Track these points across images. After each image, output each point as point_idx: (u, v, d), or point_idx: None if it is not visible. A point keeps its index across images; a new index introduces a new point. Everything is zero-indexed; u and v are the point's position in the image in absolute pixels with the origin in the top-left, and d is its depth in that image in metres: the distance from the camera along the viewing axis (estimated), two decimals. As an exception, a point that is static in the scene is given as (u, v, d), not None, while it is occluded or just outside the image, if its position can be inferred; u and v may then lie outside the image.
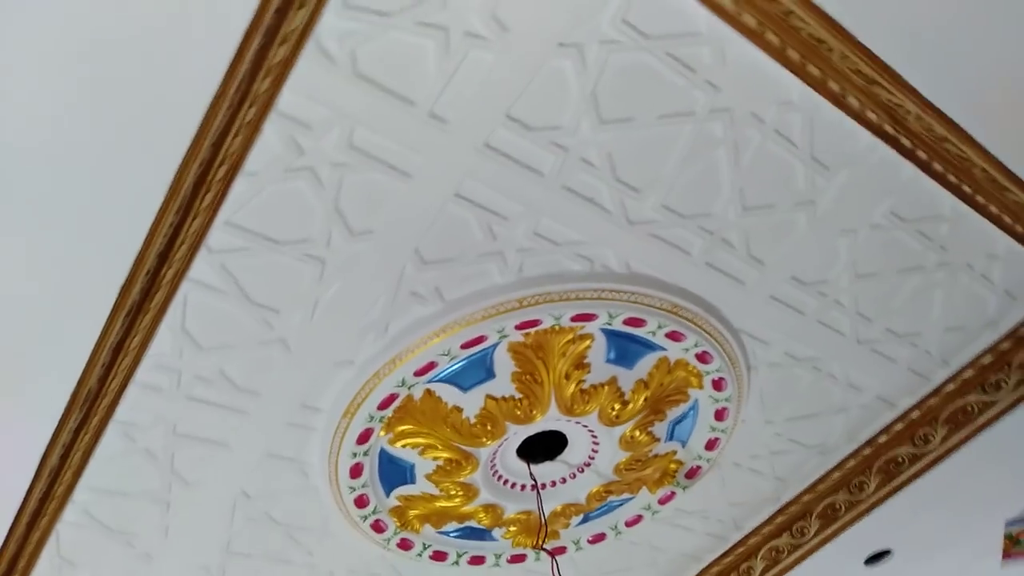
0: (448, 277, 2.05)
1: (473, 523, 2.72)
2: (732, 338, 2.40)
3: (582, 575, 3.09)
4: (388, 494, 2.54)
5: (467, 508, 2.64)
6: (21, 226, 1.65)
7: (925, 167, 2.06)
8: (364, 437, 2.33)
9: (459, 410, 2.34)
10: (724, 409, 2.60)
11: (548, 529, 2.73)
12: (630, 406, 2.46)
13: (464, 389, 2.30)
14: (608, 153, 1.90)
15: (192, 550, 2.52)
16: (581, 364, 2.32)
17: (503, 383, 2.31)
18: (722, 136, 1.93)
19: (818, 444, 2.87)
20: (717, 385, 2.52)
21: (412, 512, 2.61)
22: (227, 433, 2.24)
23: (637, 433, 2.56)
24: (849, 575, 3.44)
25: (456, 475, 2.51)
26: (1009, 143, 2.05)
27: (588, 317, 2.21)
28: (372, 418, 2.28)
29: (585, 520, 2.87)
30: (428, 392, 2.29)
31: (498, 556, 2.88)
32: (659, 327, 2.29)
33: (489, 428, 2.38)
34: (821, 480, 2.99)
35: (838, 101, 1.88)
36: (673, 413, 2.59)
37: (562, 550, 2.90)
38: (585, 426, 2.50)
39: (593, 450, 2.61)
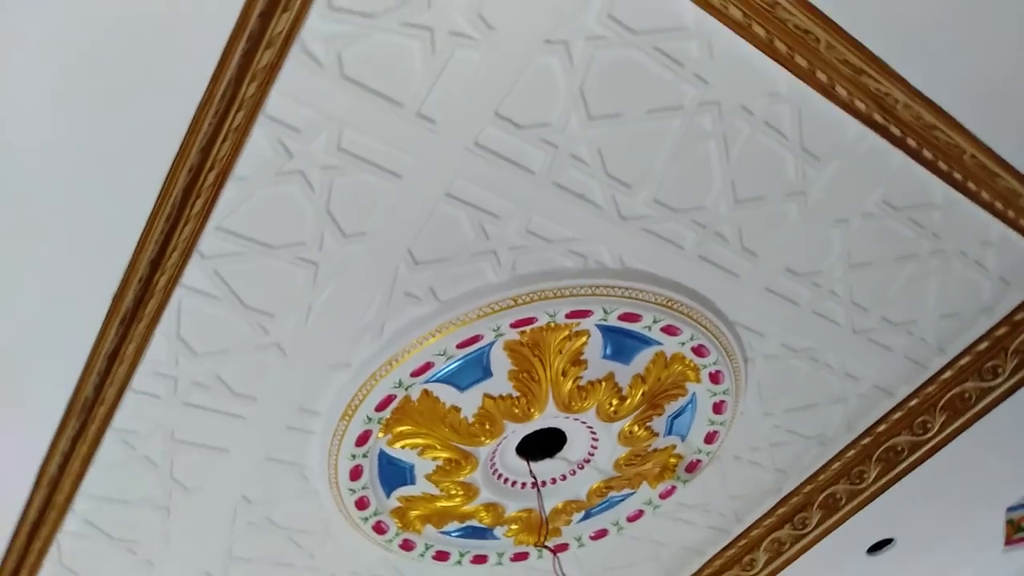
0: (442, 277, 2.05)
1: (474, 522, 2.72)
2: (728, 331, 2.40)
3: (585, 572, 3.10)
4: (388, 495, 2.54)
5: (468, 507, 2.65)
6: (11, 236, 1.65)
7: (915, 155, 2.06)
8: (363, 439, 2.33)
9: (457, 410, 2.34)
10: (722, 402, 2.61)
11: (550, 526, 2.74)
12: (628, 401, 2.46)
13: (461, 388, 2.30)
14: (598, 149, 1.90)
15: (194, 556, 2.52)
16: (578, 361, 2.32)
17: (500, 382, 2.31)
18: (711, 129, 1.93)
19: (817, 435, 2.87)
20: (714, 378, 2.52)
21: (413, 513, 2.61)
22: (226, 438, 2.24)
23: (636, 428, 2.56)
24: (852, 565, 3.44)
25: (456, 475, 2.51)
26: (998, 130, 2.05)
27: (583, 313, 2.21)
28: (370, 420, 2.28)
29: (586, 516, 2.87)
30: (425, 392, 2.29)
31: (500, 555, 2.88)
32: (654, 322, 2.29)
33: (487, 427, 2.39)
34: (821, 470, 2.99)
35: (826, 91, 1.88)
36: (671, 407, 2.59)
37: (564, 547, 2.90)
38: (583, 423, 2.51)
39: (592, 446, 2.61)
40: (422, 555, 2.76)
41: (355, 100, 1.67)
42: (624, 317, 2.25)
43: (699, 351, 2.42)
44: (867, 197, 2.17)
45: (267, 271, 1.92)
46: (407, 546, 2.71)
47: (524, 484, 2.64)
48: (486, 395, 2.33)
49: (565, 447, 2.61)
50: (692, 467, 2.79)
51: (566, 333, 2.25)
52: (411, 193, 1.86)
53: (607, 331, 2.30)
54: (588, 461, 2.66)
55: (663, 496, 2.88)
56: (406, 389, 2.25)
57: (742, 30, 1.72)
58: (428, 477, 2.51)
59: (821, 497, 3.06)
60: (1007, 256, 2.44)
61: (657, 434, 2.62)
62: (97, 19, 1.39)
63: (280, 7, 1.47)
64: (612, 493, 2.80)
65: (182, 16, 1.42)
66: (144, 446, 2.18)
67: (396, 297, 2.06)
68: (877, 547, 3.41)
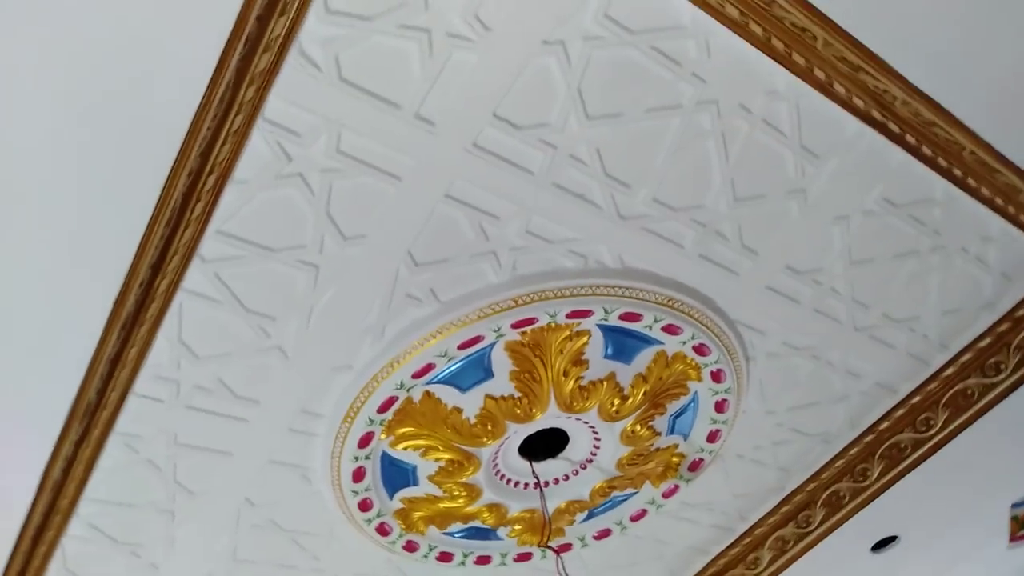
0: (442, 278, 2.06)
1: (478, 523, 2.72)
2: (729, 329, 2.40)
3: (589, 572, 3.10)
4: (392, 497, 2.54)
5: (471, 508, 2.65)
6: (11, 242, 1.66)
7: (915, 152, 2.06)
8: (365, 441, 2.33)
9: (459, 411, 2.35)
10: (724, 401, 2.61)
11: (553, 527, 2.74)
12: (630, 401, 2.46)
13: (463, 390, 2.31)
14: (597, 149, 1.90)
15: (199, 559, 2.53)
16: (579, 361, 2.33)
17: (502, 382, 2.31)
18: (710, 128, 1.93)
19: (820, 432, 2.87)
20: (716, 377, 2.52)
21: (416, 514, 2.61)
22: (229, 441, 2.25)
23: (638, 428, 2.56)
24: (856, 562, 3.44)
25: (458, 476, 2.51)
26: (998, 125, 2.05)
27: (584, 313, 2.21)
28: (372, 421, 2.29)
29: (590, 516, 2.87)
30: (427, 394, 2.29)
31: (504, 555, 2.88)
32: (655, 321, 2.29)
33: (489, 428, 2.39)
34: (824, 468, 2.99)
35: (824, 89, 1.88)
36: (673, 407, 2.59)
37: (568, 547, 2.90)
38: (586, 422, 2.51)
39: (595, 446, 2.62)
40: (426, 556, 2.76)
41: (353, 103, 1.67)
42: (625, 317, 2.25)
43: (700, 350, 2.42)
44: (867, 194, 2.17)
45: (268, 274, 1.92)
46: (411, 547, 2.71)
47: (527, 484, 2.64)
48: (488, 396, 2.33)
49: (567, 447, 2.61)
50: (695, 466, 2.79)
51: (567, 333, 2.26)
52: (411, 195, 1.86)
53: (608, 331, 2.30)
54: (590, 461, 2.66)
55: (666, 495, 2.88)
56: (408, 391, 2.25)
57: (739, 28, 1.72)
58: (431, 478, 2.51)
59: (825, 495, 3.06)
60: (1008, 252, 2.44)
61: (659, 433, 2.62)
62: (94, 25, 1.40)
63: (277, 11, 1.47)
64: (615, 493, 2.80)
65: (179, 21, 1.43)
66: (147, 450, 2.19)
67: (397, 299, 2.06)
68: (881, 544, 3.40)
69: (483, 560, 2.86)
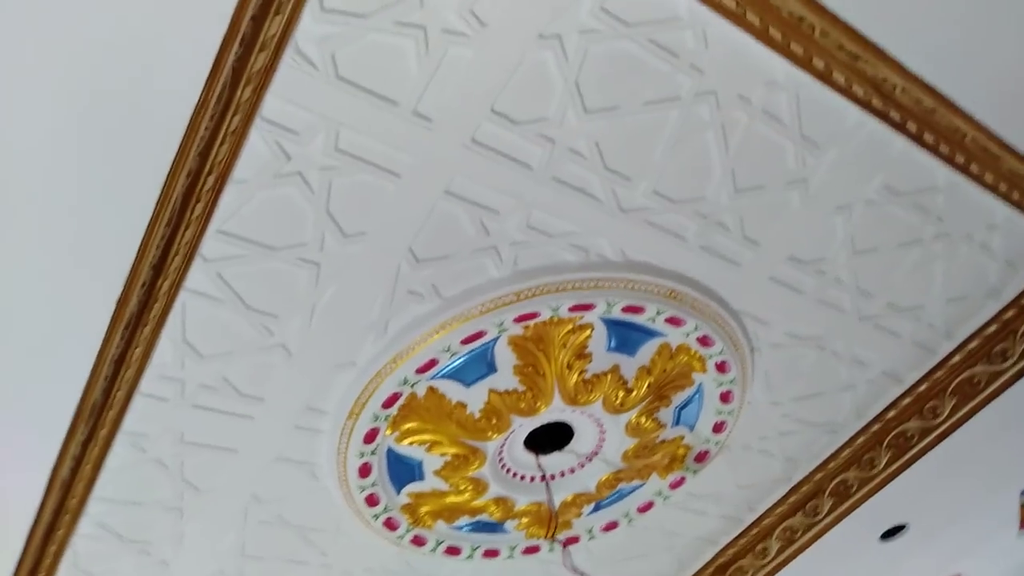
0: (444, 274, 2.06)
1: (485, 517, 2.73)
2: (733, 320, 2.40)
3: (598, 563, 3.10)
4: (398, 492, 2.56)
5: (478, 502, 2.66)
6: (11, 245, 1.67)
7: (916, 139, 2.05)
8: (370, 436, 2.34)
9: (463, 405, 2.35)
10: (729, 392, 2.60)
11: (560, 519, 2.75)
12: (634, 393, 2.46)
13: (467, 384, 2.31)
14: (596, 142, 1.89)
15: (208, 555, 2.55)
16: (582, 354, 2.33)
17: (505, 377, 2.32)
18: (709, 119, 1.92)
19: (826, 422, 2.86)
20: (720, 368, 2.52)
21: (423, 508, 2.62)
22: (235, 439, 2.26)
23: (643, 420, 2.56)
24: (865, 551, 3.43)
25: (464, 470, 2.52)
26: (1000, 112, 2.03)
27: (586, 307, 2.21)
28: (377, 417, 2.30)
29: (597, 508, 2.88)
30: (431, 389, 2.30)
31: (512, 548, 2.89)
32: (658, 313, 2.29)
33: (494, 422, 2.40)
34: (832, 458, 2.98)
35: (824, 78, 1.87)
36: (678, 398, 2.59)
37: (575, 539, 2.91)
38: (590, 415, 2.51)
39: (600, 439, 2.62)
40: (434, 550, 2.78)
41: (351, 101, 1.67)
42: (627, 309, 2.25)
43: (704, 341, 2.42)
44: (869, 183, 2.16)
45: (269, 273, 1.93)
46: (419, 542, 2.73)
47: (533, 478, 2.65)
48: (492, 390, 2.33)
49: (573, 440, 2.61)
50: (701, 457, 2.79)
51: (570, 327, 2.26)
52: (410, 191, 1.86)
53: (611, 324, 2.30)
54: (596, 453, 2.67)
55: (673, 487, 2.88)
56: (412, 386, 2.26)
57: (736, 19, 1.71)
58: (437, 473, 2.52)
59: (832, 484, 3.06)
60: (1013, 239, 2.42)
61: (664, 425, 2.62)
62: (92, 28, 1.41)
63: (272, 10, 1.47)
64: (622, 485, 2.80)
65: (175, 21, 1.43)
66: (154, 448, 2.20)
67: (399, 295, 2.07)
68: (890, 533, 3.40)
69: (491, 553, 2.87)
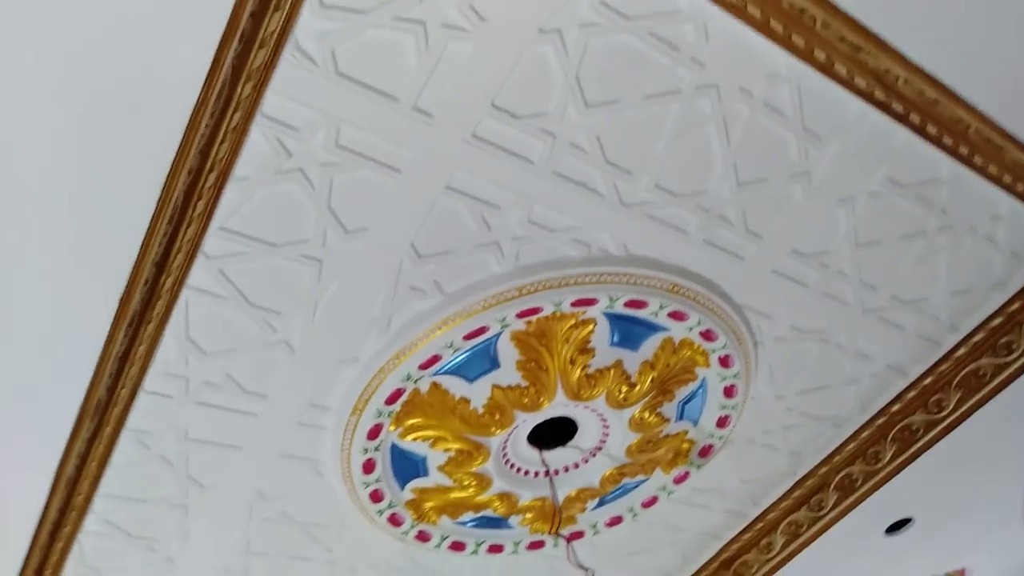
0: (446, 269, 2.06)
1: (489, 512, 2.74)
2: (736, 314, 2.39)
3: (602, 558, 3.10)
4: (402, 487, 2.56)
5: (482, 497, 2.66)
6: (13, 243, 1.68)
7: (919, 131, 2.04)
8: (374, 432, 2.35)
9: (466, 401, 2.35)
10: (733, 386, 2.60)
11: (564, 515, 2.75)
12: (637, 388, 2.46)
13: (470, 380, 2.31)
14: (597, 136, 1.89)
15: (213, 552, 2.56)
16: (585, 349, 2.33)
17: (508, 372, 2.32)
18: (711, 112, 1.92)
19: (831, 416, 2.86)
20: (724, 362, 2.52)
21: (427, 504, 2.63)
22: (239, 436, 2.27)
23: (646, 415, 2.56)
24: (870, 545, 3.43)
25: (468, 465, 2.53)
26: (1003, 102, 2.02)
27: (589, 302, 2.21)
28: (381, 413, 2.30)
29: (601, 504, 2.88)
30: (434, 385, 2.30)
31: (516, 544, 2.89)
32: (661, 307, 2.29)
33: (497, 417, 2.40)
34: (836, 452, 2.98)
35: (825, 70, 1.86)
36: (682, 393, 2.59)
37: (580, 535, 2.91)
38: (594, 410, 2.51)
39: (604, 434, 2.62)
40: (438, 546, 2.78)
41: (351, 96, 1.67)
42: (630, 304, 2.25)
43: (707, 336, 2.41)
44: (872, 175, 2.15)
45: (272, 269, 1.93)
46: (423, 537, 2.73)
47: (537, 473, 2.65)
48: (495, 386, 2.33)
49: (576, 435, 2.61)
50: (705, 452, 2.79)
51: (572, 322, 2.26)
52: (411, 187, 1.86)
53: (614, 318, 2.30)
54: (600, 448, 2.67)
55: (677, 481, 2.88)
56: (415, 382, 2.26)
57: (737, 11, 1.71)
58: (441, 468, 2.53)
59: (837, 478, 3.05)
60: (1018, 230, 2.42)
61: (668, 420, 2.62)
62: (91, 26, 1.41)
63: (272, 6, 1.47)
64: (625, 480, 2.80)
65: (174, 19, 1.43)
66: (159, 445, 2.21)
67: (401, 291, 2.07)
68: (896, 527, 3.39)
69: (495, 549, 2.88)
